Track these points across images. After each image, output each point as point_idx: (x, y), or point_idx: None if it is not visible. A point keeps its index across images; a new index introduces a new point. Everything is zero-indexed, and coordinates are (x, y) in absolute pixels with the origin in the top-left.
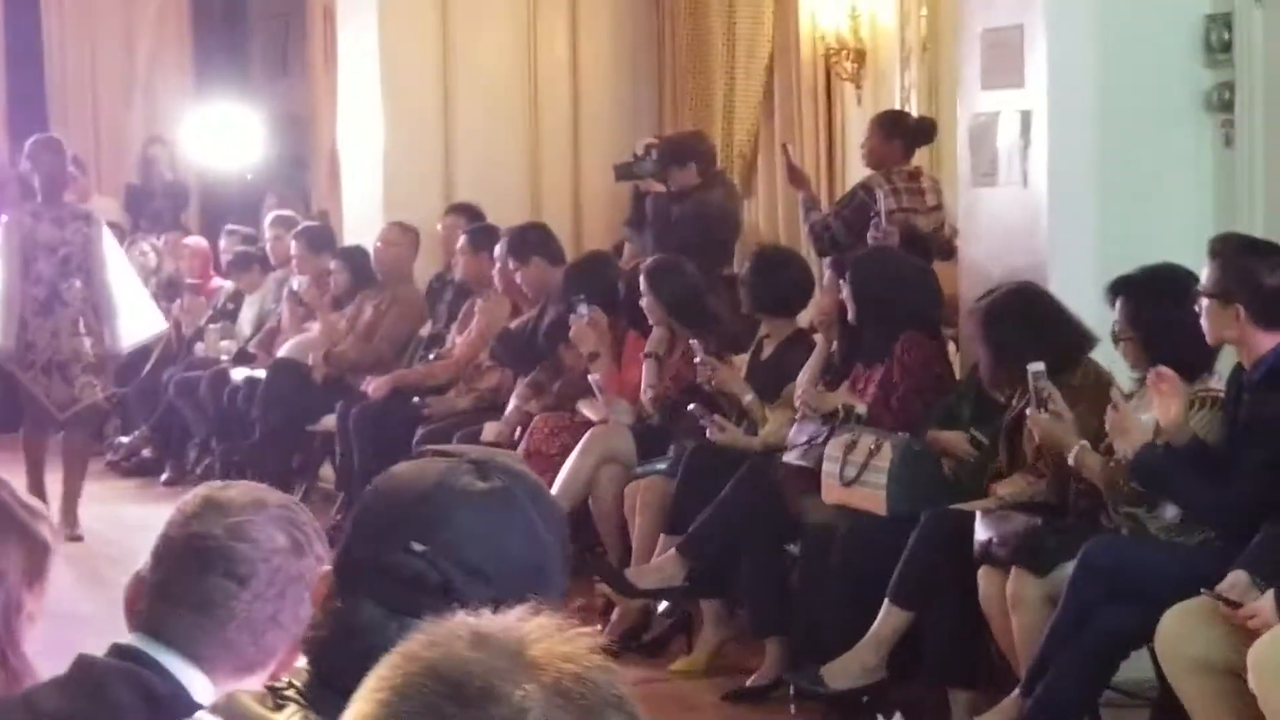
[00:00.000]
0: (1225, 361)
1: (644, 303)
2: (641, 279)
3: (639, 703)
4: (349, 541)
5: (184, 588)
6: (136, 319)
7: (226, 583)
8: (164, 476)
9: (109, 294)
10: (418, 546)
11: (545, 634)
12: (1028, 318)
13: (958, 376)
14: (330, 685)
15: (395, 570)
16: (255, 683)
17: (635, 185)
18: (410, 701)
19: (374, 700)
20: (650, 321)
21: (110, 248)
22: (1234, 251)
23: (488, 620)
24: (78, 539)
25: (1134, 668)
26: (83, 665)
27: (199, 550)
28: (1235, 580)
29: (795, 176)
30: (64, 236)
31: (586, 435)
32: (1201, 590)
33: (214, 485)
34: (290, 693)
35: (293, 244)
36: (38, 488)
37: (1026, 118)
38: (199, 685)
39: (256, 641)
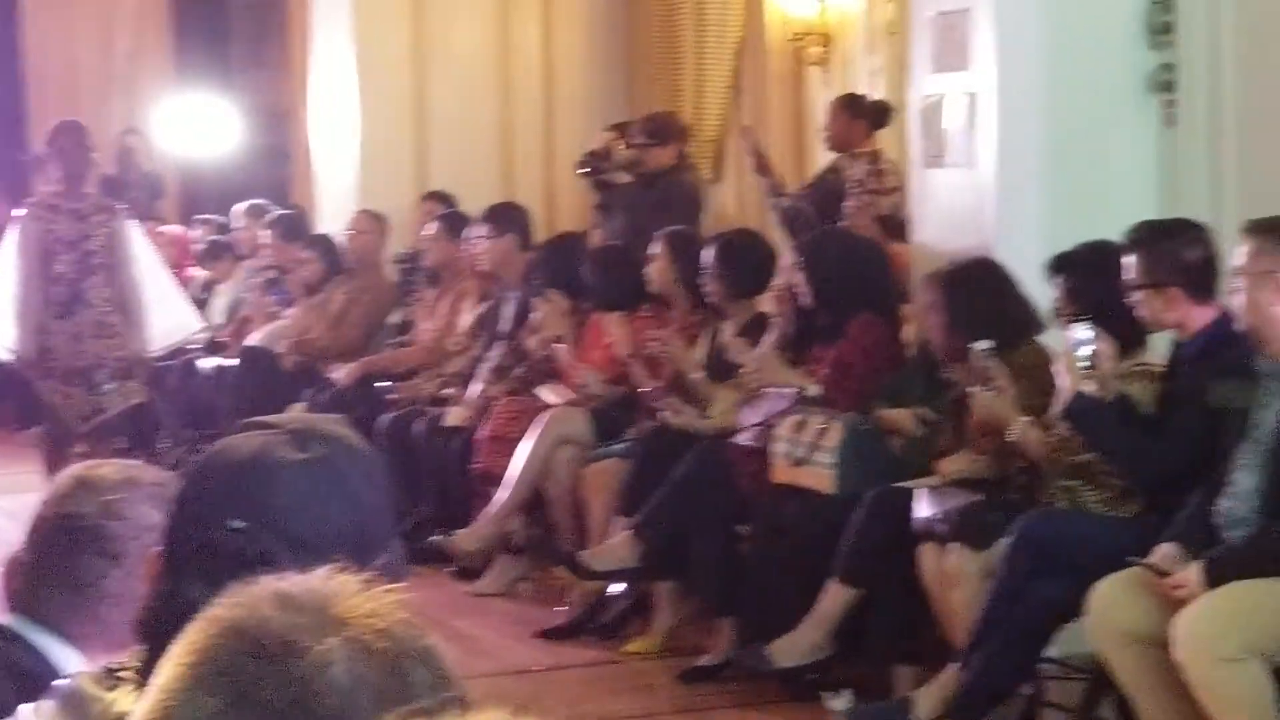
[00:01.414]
0: (1161, 335)
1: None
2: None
3: (597, 683)
4: (173, 521)
5: (56, 567)
6: (169, 318)
7: (98, 561)
8: None
9: (137, 292)
10: (237, 523)
11: (349, 591)
12: (988, 289)
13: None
14: None
15: (218, 547)
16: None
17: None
18: (215, 662)
19: (180, 664)
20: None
21: (138, 241)
22: (1152, 238)
23: (292, 581)
24: None
25: (1078, 640)
26: None
27: (70, 529)
28: (1165, 551)
29: (759, 164)
30: (85, 230)
31: (544, 418)
32: (1130, 560)
33: (87, 464)
34: (127, 673)
35: (265, 233)
36: None
37: (974, 100)
38: (73, 663)
39: (130, 619)
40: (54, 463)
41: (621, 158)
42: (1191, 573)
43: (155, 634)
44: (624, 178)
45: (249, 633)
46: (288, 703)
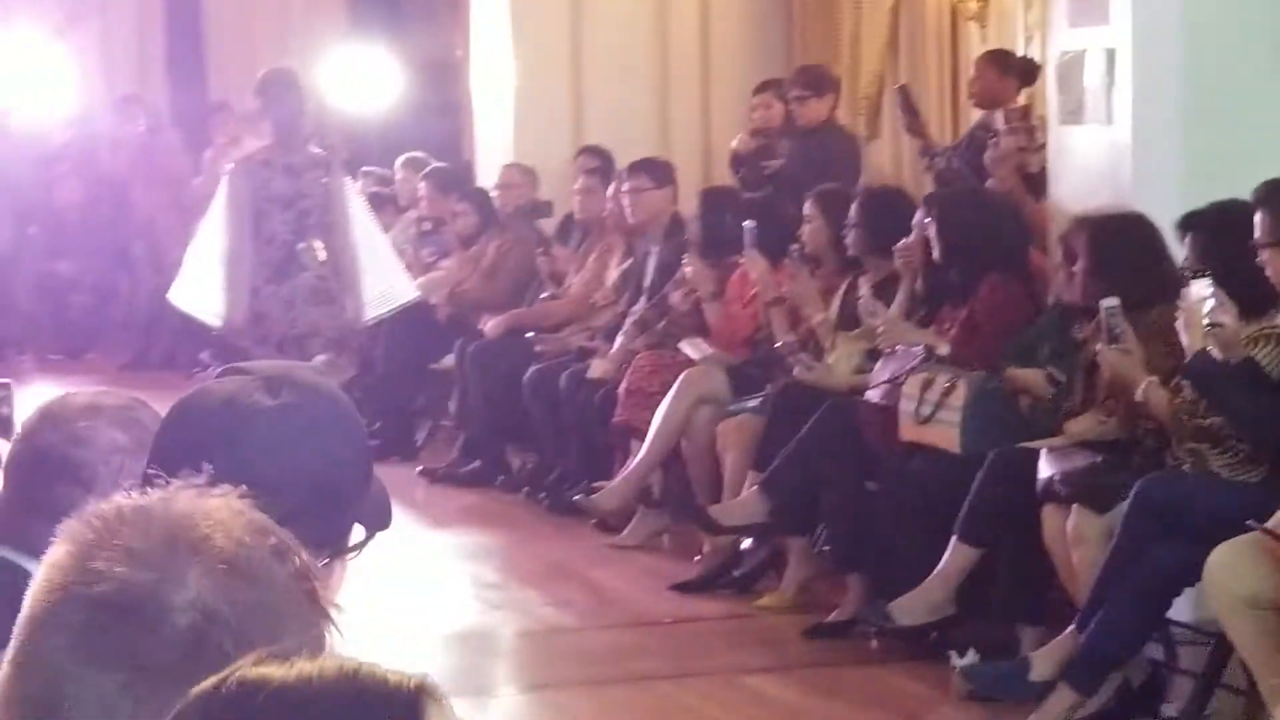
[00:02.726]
0: None
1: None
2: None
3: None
4: (150, 460)
5: (33, 499)
6: (384, 285)
7: (71, 489)
8: None
9: (354, 256)
10: (206, 466)
11: (194, 511)
12: (1137, 243)
13: None
14: None
15: None
16: None
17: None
18: (94, 639)
19: (52, 647)
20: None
21: (354, 200)
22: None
23: (130, 515)
24: None
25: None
26: None
27: (40, 461)
28: None
29: (912, 123)
30: (300, 188)
31: (681, 377)
32: (1249, 524)
33: (54, 397)
34: None
35: (421, 185)
36: None
37: (1111, 55)
38: None
39: None
40: None
41: (783, 148)
42: None
43: None
44: (776, 163)
45: (112, 601)
46: (178, 659)
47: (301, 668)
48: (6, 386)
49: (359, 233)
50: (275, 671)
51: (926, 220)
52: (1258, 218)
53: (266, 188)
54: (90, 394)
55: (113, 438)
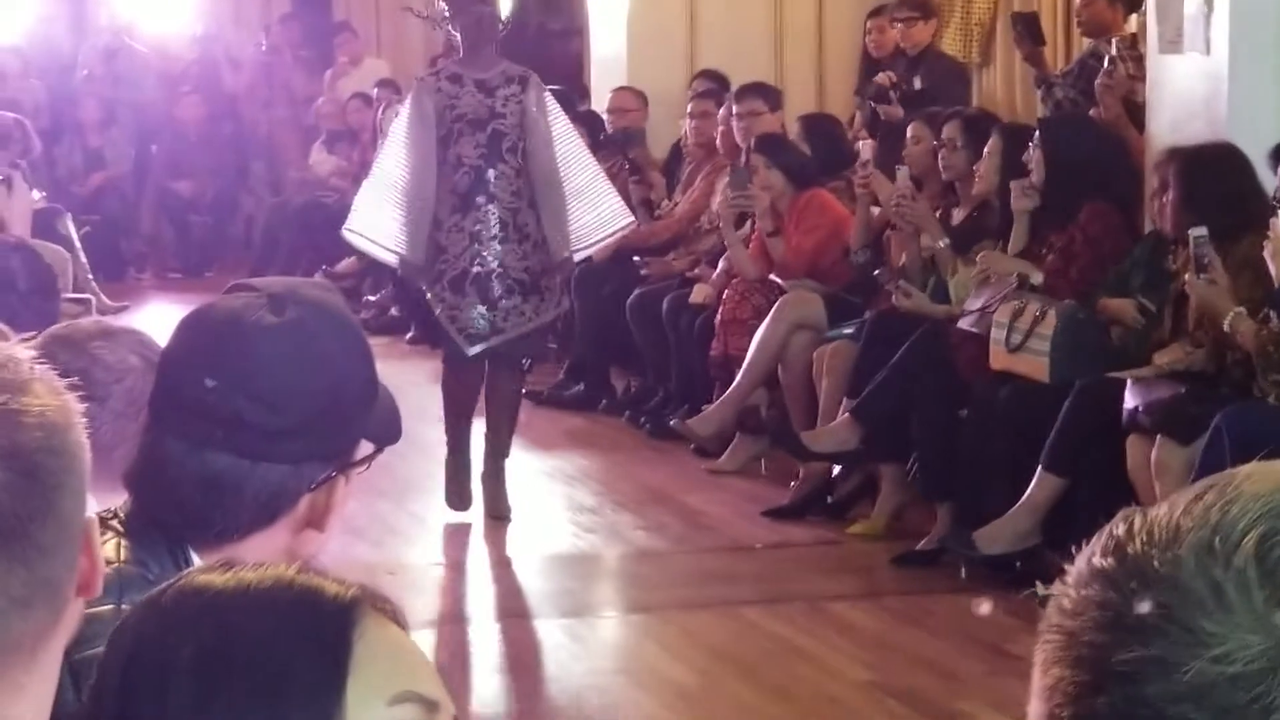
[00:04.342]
0: None
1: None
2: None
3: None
4: (158, 376)
5: None
6: (592, 214)
7: (84, 404)
8: (409, 335)
9: (555, 182)
10: (209, 381)
11: None
12: (1226, 174)
13: None
14: (146, 514)
15: (191, 404)
16: None
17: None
18: None
19: None
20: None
21: (556, 119)
22: None
23: None
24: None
25: None
26: None
27: None
28: None
29: (1033, 54)
30: (494, 107)
31: (778, 303)
32: None
33: (63, 324)
34: (113, 522)
35: None
36: (459, 447)
37: None
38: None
39: (123, 464)
40: (450, 383)
41: (911, 94)
42: None
43: (138, 484)
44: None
45: None
46: (39, 508)
47: (241, 575)
48: (86, 303)
49: (562, 155)
50: (215, 579)
51: (1030, 145)
52: None
53: (455, 106)
54: (98, 321)
55: (124, 357)
